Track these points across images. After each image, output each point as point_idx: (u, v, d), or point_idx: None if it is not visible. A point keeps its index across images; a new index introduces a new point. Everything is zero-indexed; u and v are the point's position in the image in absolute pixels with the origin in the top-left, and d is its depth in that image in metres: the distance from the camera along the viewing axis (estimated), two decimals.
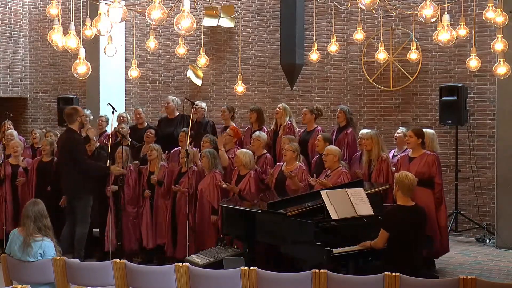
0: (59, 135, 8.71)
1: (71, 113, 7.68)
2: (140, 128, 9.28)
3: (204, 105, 9.47)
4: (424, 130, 7.44)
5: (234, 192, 7.48)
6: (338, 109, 8.67)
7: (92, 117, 10.05)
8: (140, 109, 9.70)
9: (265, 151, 8.08)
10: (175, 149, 8.46)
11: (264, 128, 8.83)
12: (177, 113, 9.43)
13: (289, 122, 8.59)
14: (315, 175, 7.29)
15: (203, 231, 7.57)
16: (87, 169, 7.60)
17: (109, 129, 9.61)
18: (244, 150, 7.78)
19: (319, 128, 8.54)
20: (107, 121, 9.67)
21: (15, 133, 9.20)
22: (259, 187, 7.59)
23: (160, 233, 7.92)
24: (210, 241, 7.44)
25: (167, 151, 8.46)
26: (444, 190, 9.37)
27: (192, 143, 8.00)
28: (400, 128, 8.24)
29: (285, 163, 7.50)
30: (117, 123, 9.00)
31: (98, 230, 8.29)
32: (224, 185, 7.49)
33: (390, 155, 7.93)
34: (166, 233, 7.85)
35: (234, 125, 8.88)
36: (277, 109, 8.80)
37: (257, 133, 8.19)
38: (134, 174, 8.05)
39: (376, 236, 5.72)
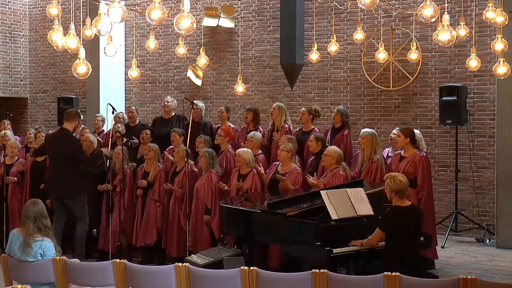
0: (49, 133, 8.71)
1: (74, 114, 7.85)
2: (132, 126, 9.31)
3: (201, 105, 9.40)
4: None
5: (242, 191, 7.42)
6: (335, 110, 8.63)
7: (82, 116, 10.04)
8: (133, 107, 9.72)
9: (259, 151, 8.04)
10: (169, 147, 8.44)
11: (260, 128, 8.80)
12: (173, 114, 9.43)
13: (287, 126, 8.54)
14: (315, 173, 7.28)
15: (198, 231, 7.55)
16: (89, 163, 7.78)
17: (106, 128, 9.62)
18: (244, 148, 7.75)
19: (316, 129, 8.51)
20: (103, 120, 9.66)
21: (10, 133, 9.21)
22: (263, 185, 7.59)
23: (149, 233, 7.86)
24: (205, 240, 7.45)
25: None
26: (444, 190, 9.44)
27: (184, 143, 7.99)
28: (397, 128, 8.23)
29: (280, 163, 7.50)
30: (114, 123, 9.02)
31: (95, 230, 8.29)
32: (234, 183, 7.44)
33: (384, 155, 7.90)
34: (159, 233, 7.83)
35: (226, 126, 8.73)
36: (272, 109, 8.74)
37: (251, 133, 8.16)
38: (131, 176, 8.06)
39: None
